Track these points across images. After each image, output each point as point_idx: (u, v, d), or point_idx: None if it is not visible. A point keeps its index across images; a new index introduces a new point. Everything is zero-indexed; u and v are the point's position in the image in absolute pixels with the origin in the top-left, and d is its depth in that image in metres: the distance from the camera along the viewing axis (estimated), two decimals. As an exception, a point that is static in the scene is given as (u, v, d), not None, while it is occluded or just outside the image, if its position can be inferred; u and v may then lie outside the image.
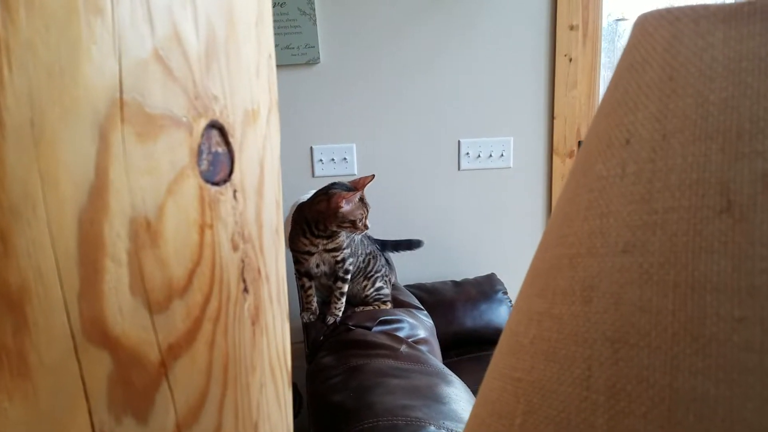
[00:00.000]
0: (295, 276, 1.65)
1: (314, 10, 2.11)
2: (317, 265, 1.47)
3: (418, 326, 1.39)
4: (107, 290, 0.32)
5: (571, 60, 2.20)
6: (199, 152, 0.35)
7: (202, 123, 0.35)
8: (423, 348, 1.31)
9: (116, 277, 0.32)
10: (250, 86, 0.38)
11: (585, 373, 0.28)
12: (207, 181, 0.35)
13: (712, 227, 0.25)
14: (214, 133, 0.36)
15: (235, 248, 0.38)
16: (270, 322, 0.42)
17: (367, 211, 1.46)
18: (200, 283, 0.35)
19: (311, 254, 1.47)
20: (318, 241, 1.44)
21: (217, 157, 0.36)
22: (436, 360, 1.19)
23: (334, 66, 2.17)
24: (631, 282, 0.27)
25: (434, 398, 1.00)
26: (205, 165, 0.35)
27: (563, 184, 0.34)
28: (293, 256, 1.59)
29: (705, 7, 0.27)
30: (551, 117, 2.26)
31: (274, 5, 2.13)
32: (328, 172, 2.24)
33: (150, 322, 0.33)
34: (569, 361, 0.29)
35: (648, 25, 0.30)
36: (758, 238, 0.24)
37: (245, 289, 0.39)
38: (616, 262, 0.28)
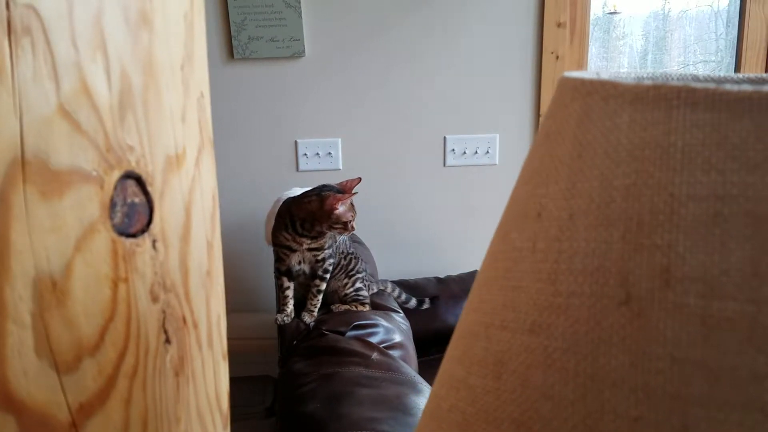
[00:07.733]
0: (274, 274, 1.64)
1: (300, 2, 2.08)
2: (299, 263, 1.47)
3: (394, 330, 1.38)
4: (10, 353, 0.31)
5: (558, 57, 2.18)
6: (112, 205, 0.34)
7: (116, 175, 0.34)
8: (397, 353, 1.31)
9: (19, 339, 0.31)
10: (173, 131, 0.37)
11: (491, 454, 0.28)
12: (121, 233, 0.34)
13: (611, 319, 0.24)
14: (130, 184, 0.35)
15: (154, 300, 0.37)
16: (198, 369, 0.41)
17: (355, 213, 1.48)
18: (114, 339, 0.34)
19: (293, 250, 1.46)
20: (302, 239, 1.44)
21: (134, 207, 0.35)
22: (407, 367, 1.18)
23: (320, 59, 2.15)
24: (537, 365, 0.27)
25: (402, 409, 1.00)
26: (119, 217, 0.34)
27: (490, 242, 0.33)
28: (274, 253, 1.58)
29: (615, 86, 0.26)
30: (537, 114, 2.24)
31: (260, -3, 2.10)
32: (313, 166, 2.22)
33: (58, 382, 0.32)
34: (478, 439, 0.29)
35: (565, 95, 0.28)
36: (655, 337, 0.23)
37: (167, 340, 0.38)
38: (524, 341, 0.27)
